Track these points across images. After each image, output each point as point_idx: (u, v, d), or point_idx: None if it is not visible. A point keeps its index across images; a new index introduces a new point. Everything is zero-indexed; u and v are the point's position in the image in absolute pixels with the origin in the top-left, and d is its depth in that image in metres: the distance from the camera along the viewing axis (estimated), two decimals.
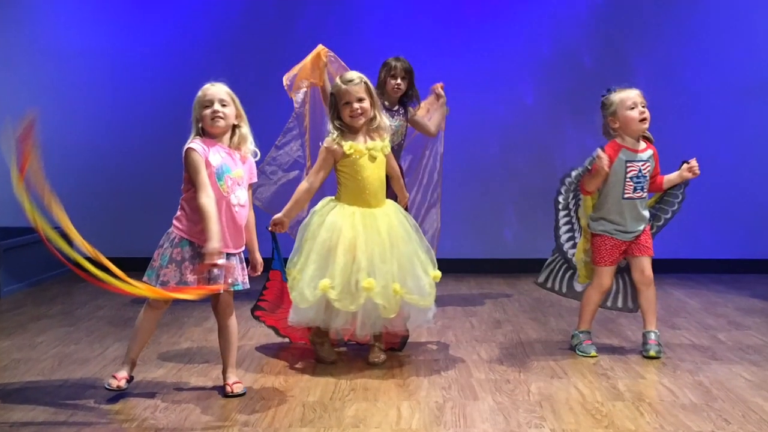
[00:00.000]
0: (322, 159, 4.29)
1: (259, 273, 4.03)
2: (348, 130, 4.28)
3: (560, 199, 4.50)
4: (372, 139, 4.31)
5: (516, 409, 3.69)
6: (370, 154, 4.27)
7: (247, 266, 3.96)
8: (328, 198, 4.38)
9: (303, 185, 4.35)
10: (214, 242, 3.61)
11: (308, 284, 4.15)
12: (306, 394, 3.89)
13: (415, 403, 3.76)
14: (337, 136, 4.26)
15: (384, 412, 3.65)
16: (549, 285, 4.73)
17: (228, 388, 3.87)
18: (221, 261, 3.66)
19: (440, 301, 4.75)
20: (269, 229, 4.34)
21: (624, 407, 3.70)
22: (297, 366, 4.32)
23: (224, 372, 3.93)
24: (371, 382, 4.07)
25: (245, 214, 3.87)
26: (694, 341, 4.83)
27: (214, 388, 3.98)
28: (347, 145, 4.24)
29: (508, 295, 6.25)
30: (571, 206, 4.57)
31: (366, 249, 4.16)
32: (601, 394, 3.88)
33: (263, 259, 4.05)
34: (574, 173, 4.41)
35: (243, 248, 3.91)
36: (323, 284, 4.12)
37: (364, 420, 3.56)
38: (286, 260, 4.39)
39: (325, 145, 4.29)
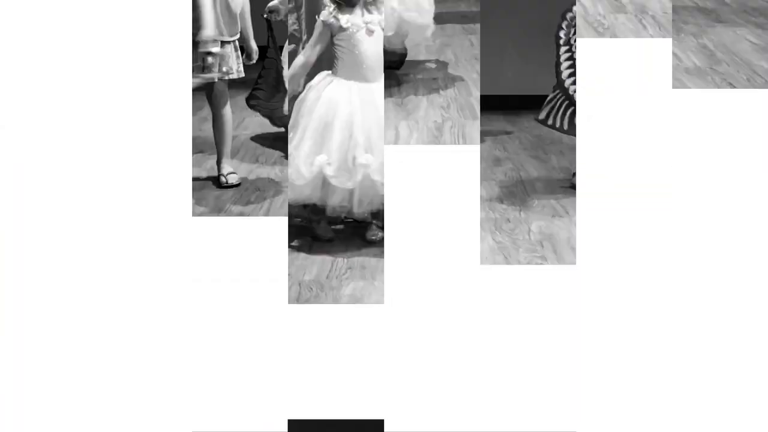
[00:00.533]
0: (319, 33, 4.13)
1: (254, 61, 3.97)
2: (345, 3, 4.11)
3: (561, 34, 4.36)
4: (369, 12, 4.15)
5: (516, 249, 3.68)
6: (368, 28, 4.11)
7: (242, 54, 3.89)
8: (324, 73, 4.24)
9: (299, 59, 4.20)
10: (208, 30, 3.55)
11: (304, 161, 4.08)
12: (302, 272, 3.83)
13: (413, 123, 3.73)
14: (334, 9, 4.09)
15: (380, 290, 3.58)
16: (550, 122, 4.65)
17: (222, 179, 3.87)
18: (215, 49, 3.60)
19: (439, 18, 4.64)
20: (265, 16, 4.22)
21: (626, 20, 3.65)
22: (293, 244, 4.26)
23: (218, 162, 3.93)
24: (368, 261, 4.00)
25: (240, 1, 3.77)
26: (698, 3, 4.67)
27: (208, 178, 3.96)
28: (344, 19, 4.07)
29: (508, 133, 6.14)
30: (572, 41, 4.44)
31: (363, 125, 4.08)
32: (602, 5, 3.80)
33: (258, 47, 3.97)
34: (575, 7, 4.27)
35: (237, 36, 3.83)
36: (320, 160, 4.05)
37: (361, 299, 3.54)
38: (281, 48, 4.29)
39: (321, 18, 4.12)
